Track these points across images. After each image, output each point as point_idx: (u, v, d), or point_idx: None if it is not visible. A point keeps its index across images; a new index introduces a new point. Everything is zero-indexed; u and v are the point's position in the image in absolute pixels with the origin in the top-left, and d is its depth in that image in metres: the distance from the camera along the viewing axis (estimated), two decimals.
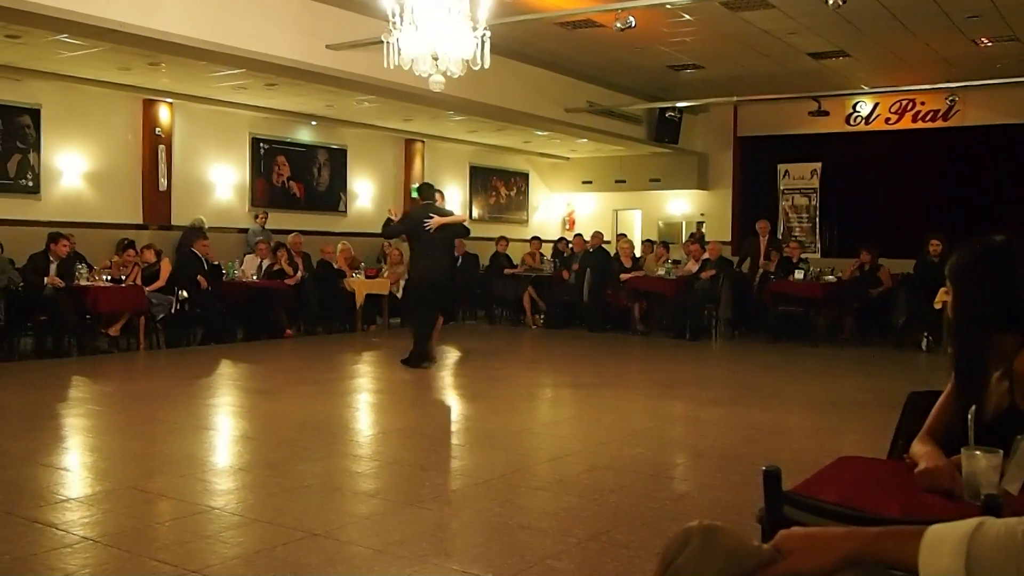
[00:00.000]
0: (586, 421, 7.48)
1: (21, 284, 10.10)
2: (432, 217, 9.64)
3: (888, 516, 1.89)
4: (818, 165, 17.22)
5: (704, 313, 13.51)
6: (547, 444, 6.54)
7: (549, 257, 16.38)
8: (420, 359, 9.72)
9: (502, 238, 16.33)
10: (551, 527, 4.33)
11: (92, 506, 4.60)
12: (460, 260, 15.38)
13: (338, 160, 16.49)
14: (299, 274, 12.82)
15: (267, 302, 12.43)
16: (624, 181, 19.48)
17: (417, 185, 11.79)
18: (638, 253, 15.84)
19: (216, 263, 12.47)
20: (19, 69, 11.51)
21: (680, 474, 5.79)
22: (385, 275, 14.23)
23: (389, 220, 10.24)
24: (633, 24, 9.72)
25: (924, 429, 2.37)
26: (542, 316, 14.99)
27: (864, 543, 1.36)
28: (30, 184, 12.27)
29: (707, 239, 15.39)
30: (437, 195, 10.44)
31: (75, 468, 5.59)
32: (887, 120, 16.50)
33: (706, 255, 13.84)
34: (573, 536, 4.15)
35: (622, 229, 19.06)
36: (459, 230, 10.26)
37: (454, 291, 11.25)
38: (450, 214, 10.14)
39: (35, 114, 12.31)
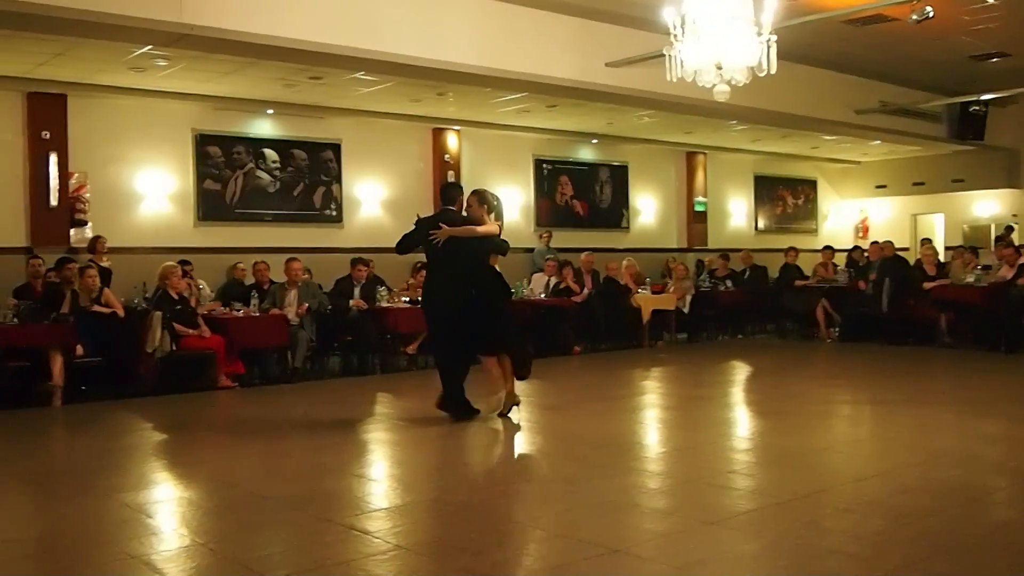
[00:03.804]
0: (889, 440, 7.00)
1: (329, 307, 10.90)
2: (441, 227, 7.37)
3: None
4: None
5: (1022, 323, 12.33)
6: (849, 463, 6.18)
7: (843, 267, 15.61)
8: (455, 406, 7.47)
9: (791, 248, 15.76)
10: (863, 552, 4.05)
11: (402, 515, 4.82)
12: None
13: (619, 177, 16.58)
14: (586, 291, 12.96)
15: (555, 320, 12.65)
16: (923, 183, 18.28)
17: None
18: (942, 259, 14.75)
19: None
20: (322, 108, 12.52)
21: (1003, 499, 5.26)
22: (671, 290, 14.14)
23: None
24: (931, 15, 9.09)
25: None
26: (837, 329, 14.31)
27: None
28: (334, 214, 13.24)
29: (1020, 242, 14.09)
30: (471, 198, 7.61)
31: (384, 479, 5.91)
32: None
33: (1023, 259, 12.66)
34: (889, 563, 3.87)
35: (922, 234, 17.87)
36: (491, 244, 7.54)
37: (490, 323, 7.50)
38: (471, 222, 7.43)
39: (336, 148, 13.29)
